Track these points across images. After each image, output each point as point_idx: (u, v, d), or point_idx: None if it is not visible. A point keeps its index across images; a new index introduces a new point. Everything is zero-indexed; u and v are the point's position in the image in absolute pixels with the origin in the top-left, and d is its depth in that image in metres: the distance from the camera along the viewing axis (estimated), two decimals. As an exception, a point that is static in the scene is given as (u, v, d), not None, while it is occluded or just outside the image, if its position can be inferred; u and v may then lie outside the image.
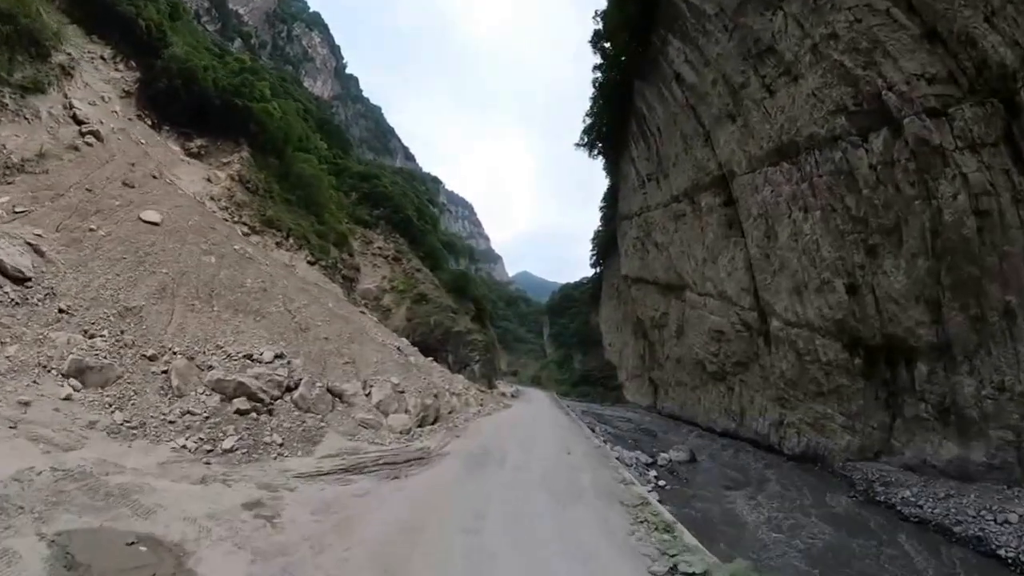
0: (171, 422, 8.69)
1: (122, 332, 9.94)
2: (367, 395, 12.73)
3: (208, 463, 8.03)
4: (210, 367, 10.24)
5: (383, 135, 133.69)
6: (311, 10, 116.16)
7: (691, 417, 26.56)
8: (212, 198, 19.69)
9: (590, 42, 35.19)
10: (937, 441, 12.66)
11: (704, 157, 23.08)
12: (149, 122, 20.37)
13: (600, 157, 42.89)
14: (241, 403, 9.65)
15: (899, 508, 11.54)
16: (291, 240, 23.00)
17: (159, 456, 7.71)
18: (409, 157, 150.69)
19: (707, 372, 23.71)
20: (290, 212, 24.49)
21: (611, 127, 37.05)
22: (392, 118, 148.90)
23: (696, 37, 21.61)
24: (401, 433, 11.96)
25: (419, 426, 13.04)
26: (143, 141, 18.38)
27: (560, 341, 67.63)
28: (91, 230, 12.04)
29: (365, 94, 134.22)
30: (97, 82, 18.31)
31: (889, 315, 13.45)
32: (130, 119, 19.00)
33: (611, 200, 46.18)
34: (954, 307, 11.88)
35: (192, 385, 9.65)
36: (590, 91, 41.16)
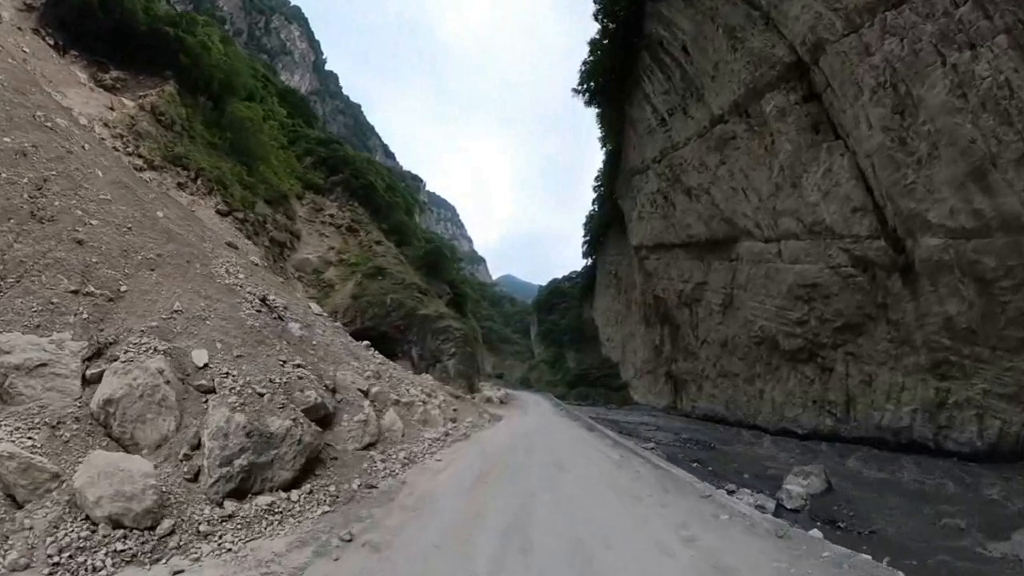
0: None
1: None
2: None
3: None
4: None
5: (362, 132, 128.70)
6: (291, 3, 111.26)
7: (743, 418, 19.45)
8: (106, 124, 16.49)
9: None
10: None
11: (765, 44, 16.30)
12: (52, 42, 17.25)
13: (597, 109, 36.28)
14: None
15: None
16: (199, 183, 18.87)
17: None
18: (389, 155, 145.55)
19: (780, 352, 16.68)
20: (211, 156, 20.41)
21: (614, 72, 30.53)
22: (372, 119, 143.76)
23: None
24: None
25: (226, 498, 5.12)
26: (26, 50, 14.67)
27: (550, 339, 60.33)
28: None
29: (345, 92, 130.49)
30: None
31: None
32: (20, 28, 15.83)
33: (610, 167, 39.48)
34: None
35: None
36: (586, 40, 34.65)
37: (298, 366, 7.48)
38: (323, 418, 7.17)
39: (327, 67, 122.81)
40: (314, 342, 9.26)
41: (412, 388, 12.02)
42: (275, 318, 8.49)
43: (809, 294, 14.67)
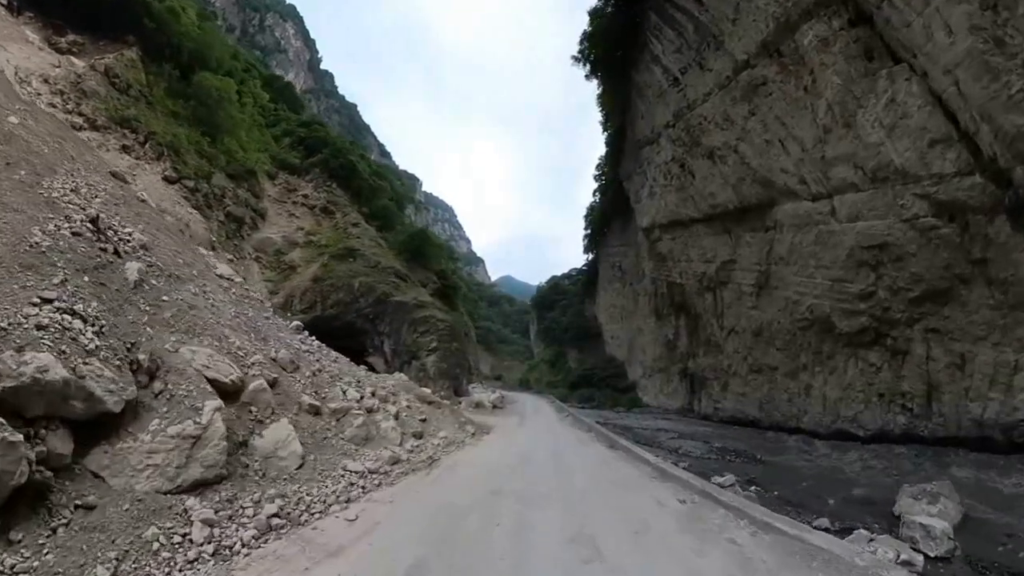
0: None
1: None
2: None
3: None
4: None
5: (358, 131, 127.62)
6: (287, 1, 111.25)
7: (782, 419, 16.37)
8: (47, 80, 15.45)
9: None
10: None
11: (804, -34, 13.46)
12: (4, 2, 16.94)
13: (598, 85, 33.41)
14: None
15: None
16: (147, 147, 17.44)
17: None
18: (385, 154, 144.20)
19: (834, 337, 13.63)
20: (168, 123, 19.02)
21: (618, 39, 27.73)
22: (368, 119, 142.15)
23: None
24: None
25: None
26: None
27: (550, 337, 57.19)
28: None
29: (340, 92, 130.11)
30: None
31: None
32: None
33: (614, 149, 36.52)
34: None
35: None
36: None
37: (73, 314, 4.41)
38: (94, 420, 4.06)
39: (322, 66, 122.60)
40: (164, 298, 6.20)
41: (353, 388, 8.86)
42: (102, 249, 5.48)
43: (876, 258, 11.63)
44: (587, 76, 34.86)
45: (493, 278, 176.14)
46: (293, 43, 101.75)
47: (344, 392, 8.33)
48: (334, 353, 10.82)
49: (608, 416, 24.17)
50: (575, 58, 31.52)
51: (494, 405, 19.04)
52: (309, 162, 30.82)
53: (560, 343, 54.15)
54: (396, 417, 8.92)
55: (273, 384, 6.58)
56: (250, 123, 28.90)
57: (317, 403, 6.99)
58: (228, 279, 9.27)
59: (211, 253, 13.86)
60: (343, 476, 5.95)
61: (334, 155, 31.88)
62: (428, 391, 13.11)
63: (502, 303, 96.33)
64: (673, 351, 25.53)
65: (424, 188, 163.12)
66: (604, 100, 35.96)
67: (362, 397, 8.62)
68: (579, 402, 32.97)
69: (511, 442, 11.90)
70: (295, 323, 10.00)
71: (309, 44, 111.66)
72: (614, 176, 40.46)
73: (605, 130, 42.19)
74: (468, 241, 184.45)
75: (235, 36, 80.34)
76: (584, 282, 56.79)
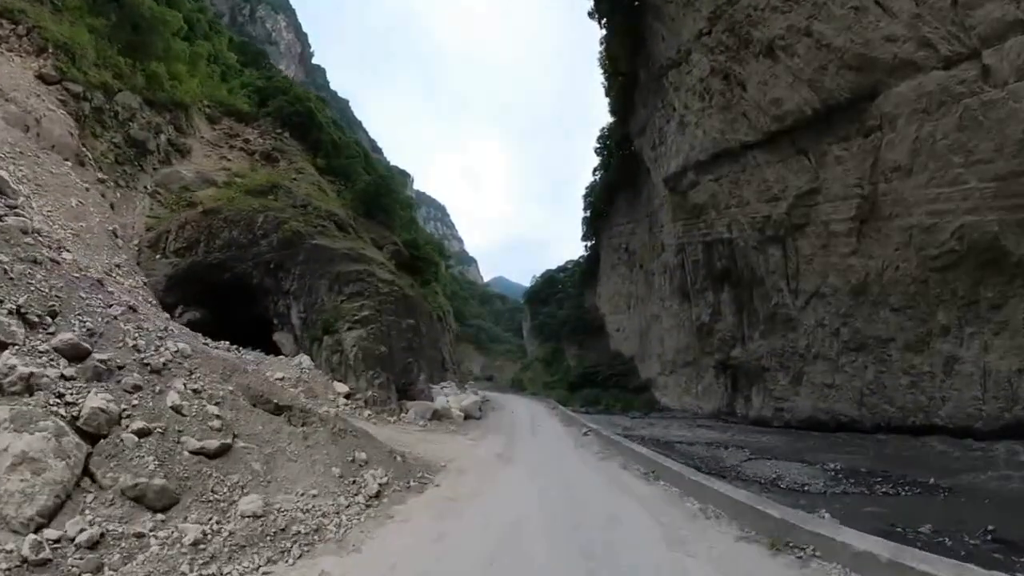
0: None
1: None
2: None
3: None
4: None
5: (349, 126, 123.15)
6: None
7: (896, 415, 10.98)
8: None
9: None
10: None
11: None
12: None
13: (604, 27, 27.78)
14: None
15: None
16: (26, 40, 14.19)
17: None
18: (376, 150, 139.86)
19: (1006, 271, 8.40)
20: (76, 31, 15.54)
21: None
22: (360, 116, 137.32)
23: None
24: None
25: None
26: None
27: (545, 333, 51.21)
28: None
29: (332, 87, 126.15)
30: None
31: None
32: None
33: (621, 102, 30.78)
34: None
35: None
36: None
37: None
38: None
39: (314, 61, 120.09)
40: None
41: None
42: None
43: None
44: (590, 14, 29.45)
45: (486, 279, 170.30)
46: (285, 36, 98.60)
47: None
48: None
49: (625, 424, 18.22)
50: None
51: (466, 414, 12.94)
52: (263, 111, 25.06)
53: (556, 339, 48.20)
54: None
55: None
56: (193, 60, 23.66)
57: None
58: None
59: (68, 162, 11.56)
60: None
61: (290, 102, 25.99)
62: (319, 396, 7.04)
63: (494, 301, 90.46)
64: (707, 339, 19.61)
65: (416, 186, 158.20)
66: (610, 46, 30.33)
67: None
68: (583, 405, 27.00)
69: (476, 521, 5.43)
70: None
71: (301, 38, 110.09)
72: (621, 139, 34.78)
73: (609, 93, 36.69)
74: (460, 241, 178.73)
75: (223, 23, 76.51)
76: (583, 272, 51.05)
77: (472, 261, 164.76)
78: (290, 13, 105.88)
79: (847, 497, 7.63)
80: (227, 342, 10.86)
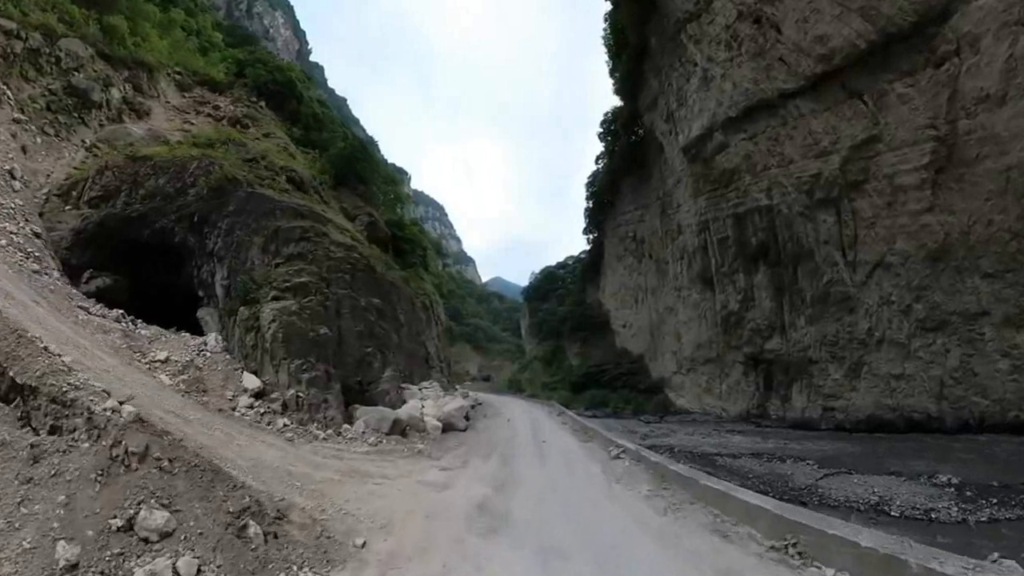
0: None
1: None
2: None
3: None
4: None
5: (346, 124, 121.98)
6: None
7: (995, 411, 8.48)
8: None
9: None
10: None
11: None
12: None
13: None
14: None
15: None
16: None
17: None
18: (373, 147, 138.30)
19: None
20: None
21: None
22: (358, 114, 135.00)
23: None
24: None
25: None
26: None
27: (545, 331, 48.73)
28: None
29: (330, 85, 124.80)
30: None
31: None
32: None
33: (630, 76, 28.40)
34: None
35: None
36: None
37: None
38: None
39: (312, 58, 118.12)
40: None
41: None
42: None
43: None
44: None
45: (485, 279, 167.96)
46: (282, 32, 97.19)
47: None
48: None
49: (640, 430, 15.79)
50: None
51: (445, 425, 10.36)
52: (240, 81, 22.85)
53: (557, 337, 45.71)
54: None
55: None
56: (167, 25, 22.09)
57: None
58: None
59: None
60: None
61: (269, 71, 23.70)
62: (253, 384, 4.78)
63: (492, 300, 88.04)
64: (735, 330, 17.22)
65: (413, 185, 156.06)
66: (617, 16, 28.04)
67: None
68: (589, 407, 24.58)
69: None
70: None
71: (299, 35, 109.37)
72: (629, 119, 32.39)
73: (613, 73, 34.41)
74: (459, 240, 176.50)
75: (220, 17, 75.37)
76: (585, 266, 48.66)
77: (470, 261, 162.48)
78: (287, 10, 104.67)
79: (1004, 527, 5.29)
80: (119, 310, 8.46)
